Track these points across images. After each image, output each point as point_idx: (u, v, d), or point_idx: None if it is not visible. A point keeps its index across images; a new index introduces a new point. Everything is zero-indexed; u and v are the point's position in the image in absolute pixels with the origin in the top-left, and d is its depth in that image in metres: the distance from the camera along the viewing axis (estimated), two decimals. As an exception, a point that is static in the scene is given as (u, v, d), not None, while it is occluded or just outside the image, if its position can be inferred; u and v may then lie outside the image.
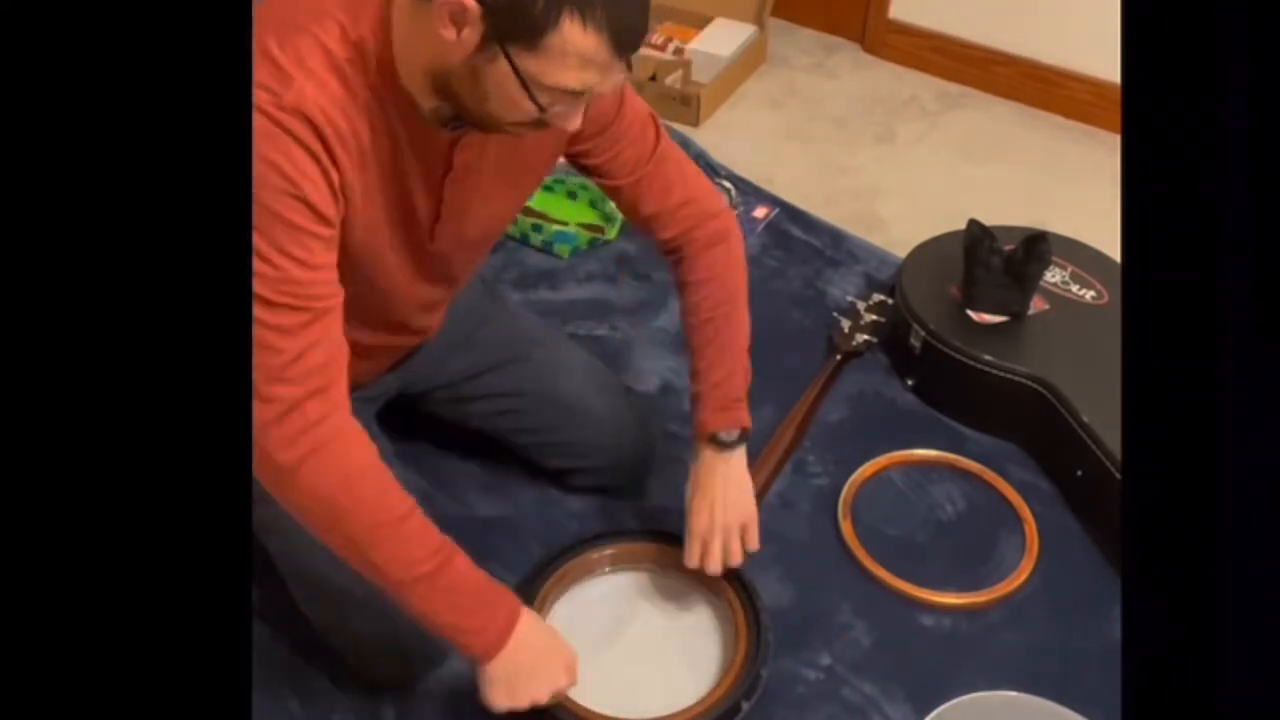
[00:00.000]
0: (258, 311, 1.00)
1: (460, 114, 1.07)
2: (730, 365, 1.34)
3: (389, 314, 1.30)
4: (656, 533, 1.46)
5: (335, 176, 1.03)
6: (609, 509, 1.61)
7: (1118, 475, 1.54)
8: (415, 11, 1.00)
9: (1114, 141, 2.51)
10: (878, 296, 1.95)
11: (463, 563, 1.14)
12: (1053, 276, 1.85)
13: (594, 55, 0.96)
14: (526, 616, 1.18)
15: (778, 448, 1.68)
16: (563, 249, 2.11)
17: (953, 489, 1.69)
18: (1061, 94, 2.60)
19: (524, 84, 0.98)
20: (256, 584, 1.34)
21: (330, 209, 1.03)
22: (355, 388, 1.32)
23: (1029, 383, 1.70)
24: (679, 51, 2.64)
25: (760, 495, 1.61)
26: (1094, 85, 2.54)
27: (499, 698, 1.17)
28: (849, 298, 2.00)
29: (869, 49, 2.85)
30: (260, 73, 0.98)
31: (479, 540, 1.12)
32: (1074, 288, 1.85)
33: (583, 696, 1.26)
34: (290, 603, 1.35)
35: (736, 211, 2.23)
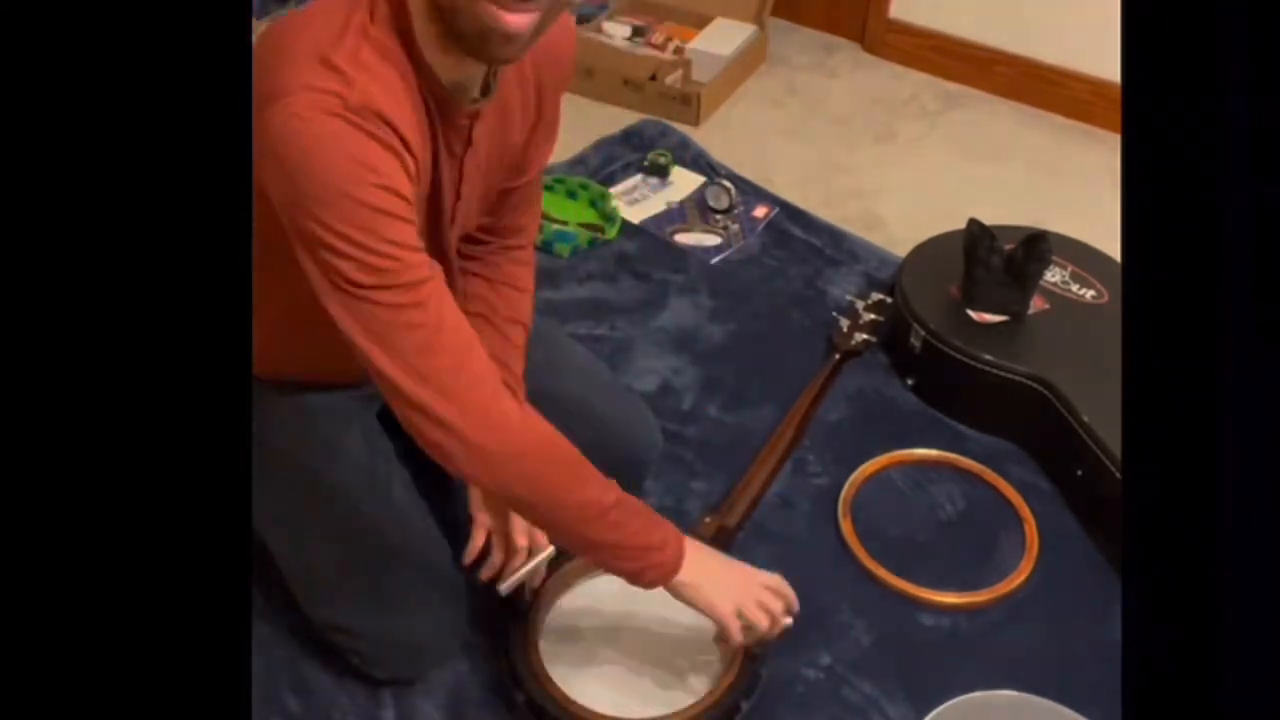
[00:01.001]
0: (383, 298, 1.01)
1: (459, 39, 1.04)
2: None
3: None
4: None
5: (411, 163, 1.03)
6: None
7: (1118, 475, 1.54)
8: None
9: (1114, 141, 2.51)
10: (877, 296, 1.95)
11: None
12: (1053, 276, 1.85)
13: None
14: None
15: (777, 447, 1.68)
16: (562, 248, 2.11)
17: (953, 489, 1.69)
18: (1061, 94, 2.60)
19: None
20: (256, 584, 1.34)
21: (413, 196, 1.04)
22: (356, 386, 1.32)
23: (1029, 382, 1.70)
24: (679, 51, 2.64)
25: (760, 495, 1.62)
26: (1094, 85, 2.54)
27: (721, 603, 1.20)
28: (849, 297, 2.00)
29: (869, 49, 2.85)
30: (319, 79, 0.97)
31: (479, 540, 1.12)
32: (1074, 288, 1.85)
33: (583, 696, 1.26)
34: (290, 602, 1.35)
35: (736, 211, 2.24)
